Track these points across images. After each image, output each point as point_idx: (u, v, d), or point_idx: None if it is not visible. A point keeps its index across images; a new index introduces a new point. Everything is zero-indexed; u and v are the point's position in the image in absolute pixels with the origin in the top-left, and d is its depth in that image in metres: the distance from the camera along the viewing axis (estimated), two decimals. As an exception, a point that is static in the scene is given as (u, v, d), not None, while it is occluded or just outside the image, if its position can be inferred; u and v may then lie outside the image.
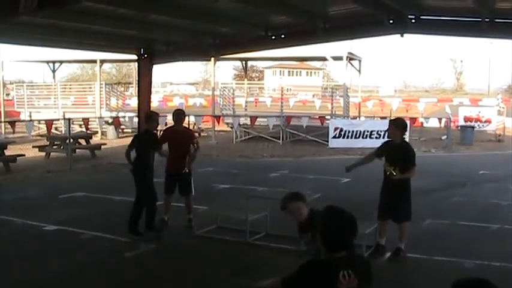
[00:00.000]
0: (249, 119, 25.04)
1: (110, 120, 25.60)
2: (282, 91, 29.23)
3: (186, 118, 13.17)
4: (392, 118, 9.72)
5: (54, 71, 35.86)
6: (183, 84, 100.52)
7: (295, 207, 5.59)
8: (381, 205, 8.53)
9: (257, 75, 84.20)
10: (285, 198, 5.70)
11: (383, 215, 8.54)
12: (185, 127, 10.88)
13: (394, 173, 8.18)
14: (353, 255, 3.72)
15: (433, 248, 8.81)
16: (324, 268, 3.46)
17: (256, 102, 34.23)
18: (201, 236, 9.68)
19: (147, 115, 10.55)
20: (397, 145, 8.53)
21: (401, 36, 15.46)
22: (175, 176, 10.32)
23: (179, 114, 10.65)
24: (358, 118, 28.73)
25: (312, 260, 3.51)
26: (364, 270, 3.61)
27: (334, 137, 23.77)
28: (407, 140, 22.77)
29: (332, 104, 28.30)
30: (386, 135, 9.47)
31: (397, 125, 8.68)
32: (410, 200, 8.58)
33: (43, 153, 20.26)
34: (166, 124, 27.31)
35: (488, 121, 31.14)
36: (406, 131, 8.75)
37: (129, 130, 27.61)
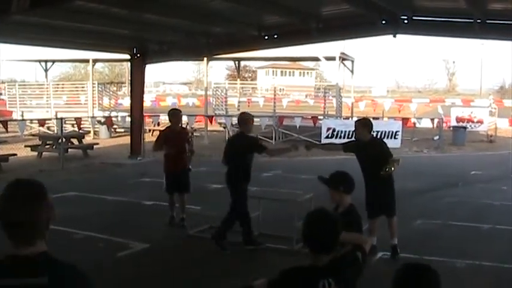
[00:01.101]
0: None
1: (103, 120, 25.56)
2: (275, 91, 29.27)
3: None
4: (358, 118, 9.78)
5: (46, 70, 35.75)
6: (176, 84, 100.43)
7: (339, 195, 5.32)
8: (372, 203, 8.52)
9: (250, 75, 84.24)
10: (334, 177, 5.33)
11: (375, 212, 8.56)
12: (181, 126, 10.88)
13: (393, 168, 8.23)
14: (336, 260, 3.68)
15: (424, 247, 8.83)
16: (303, 277, 3.39)
17: (249, 102, 34.24)
18: (194, 236, 9.69)
19: (241, 118, 9.60)
20: (369, 142, 8.59)
21: (394, 36, 15.53)
22: (175, 174, 10.33)
23: (176, 114, 10.65)
24: (350, 118, 28.78)
25: (292, 267, 3.47)
26: (348, 276, 3.55)
27: (327, 137, 23.80)
28: (399, 140, 22.72)
29: (325, 104, 28.34)
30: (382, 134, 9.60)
31: (365, 124, 8.80)
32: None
33: (35, 153, 20.20)
34: (158, 124, 27.38)
35: (480, 122, 31.23)
36: (372, 129, 8.85)
37: (122, 130, 27.57)
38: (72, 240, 9.46)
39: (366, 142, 8.60)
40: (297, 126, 24.10)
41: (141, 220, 10.95)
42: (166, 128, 10.82)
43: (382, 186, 8.43)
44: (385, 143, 9.01)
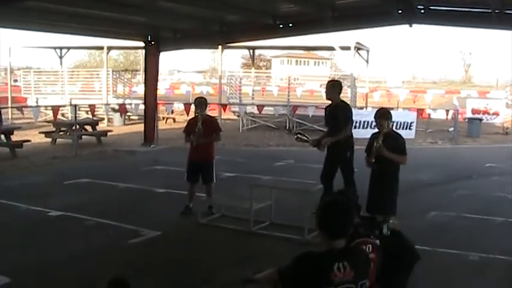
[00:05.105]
0: (255, 107, 24.97)
1: (117, 107, 25.61)
2: (289, 80, 29.16)
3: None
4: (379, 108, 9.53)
5: (61, 57, 35.79)
6: (191, 72, 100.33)
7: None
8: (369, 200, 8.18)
9: (265, 64, 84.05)
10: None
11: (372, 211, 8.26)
12: (208, 115, 10.72)
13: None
14: (351, 247, 3.72)
15: (437, 240, 8.76)
16: (319, 260, 3.44)
17: (263, 91, 34.13)
18: (205, 225, 9.68)
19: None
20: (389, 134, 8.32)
21: (410, 26, 15.41)
22: (198, 164, 10.29)
23: (198, 102, 10.54)
24: (365, 108, 28.61)
25: (308, 251, 3.49)
26: (362, 262, 3.58)
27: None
28: (414, 131, 22.52)
29: (339, 94, 28.12)
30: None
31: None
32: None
33: (49, 139, 20.28)
34: (172, 112, 27.41)
35: (496, 114, 30.95)
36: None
37: (135, 117, 27.62)
38: (84, 227, 9.50)
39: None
40: (310, 116, 23.93)
41: (153, 208, 10.96)
42: (193, 117, 10.61)
43: (381, 183, 8.12)
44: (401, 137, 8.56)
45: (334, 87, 10.07)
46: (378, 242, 4.18)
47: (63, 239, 8.81)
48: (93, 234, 9.13)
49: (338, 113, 9.74)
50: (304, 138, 10.30)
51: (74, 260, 7.72)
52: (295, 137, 10.48)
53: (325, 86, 10.12)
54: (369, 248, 4.05)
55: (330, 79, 11.99)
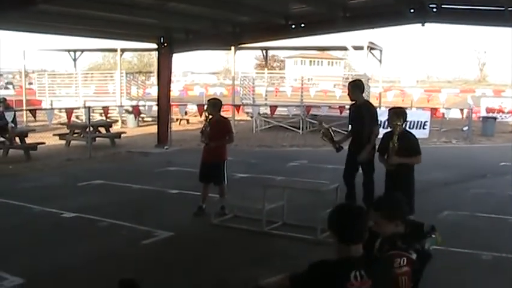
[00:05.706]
0: (268, 108, 24.95)
1: (130, 109, 25.71)
2: (302, 81, 29.12)
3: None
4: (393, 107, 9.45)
5: (75, 59, 35.94)
6: (204, 73, 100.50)
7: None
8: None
9: (278, 64, 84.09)
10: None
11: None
12: (221, 116, 10.73)
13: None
14: (373, 256, 3.71)
15: (449, 239, 8.62)
16: (335, 268, 3.38)
17: (276, 92, 34.11)
18: (217, 225, 9.69)
19: None
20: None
21: (423, 25, 15.35)
22: (209, 165, 10.33)
23: (211, 103, 10.56)
24: (378, 108, 28.46)
25: (323, 259, 3.43)
26: (381, 273, 3.52)
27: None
28: (428, 130, 22.39)
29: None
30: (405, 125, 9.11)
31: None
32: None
33: (63, 142, 20.41)
34: (186, 113, 27.44)
35: (510, 112, 30.76)
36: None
37: (149, 119, 27.70)
38: (97, 228, 9.55)
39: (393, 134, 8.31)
40: (321, 116, 23.86)
41: (166, 208, 10.99)
42: (208, 119, 10.61)
43: (395, 184, 7.87)
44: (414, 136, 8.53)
45: (356, 86, 10.14)
46: (414, 256, 4.05)
47: (76, 240, 8.86)
48: (107, 235, 9.17)
49: (362, 113, 9.84)
50: (330, 137, 10.38)
51: (87, 261, 7.76)
52: (326, 130, 10.51)
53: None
54: (403, 261, 3.95)
55: (352, 79, 12.00)
